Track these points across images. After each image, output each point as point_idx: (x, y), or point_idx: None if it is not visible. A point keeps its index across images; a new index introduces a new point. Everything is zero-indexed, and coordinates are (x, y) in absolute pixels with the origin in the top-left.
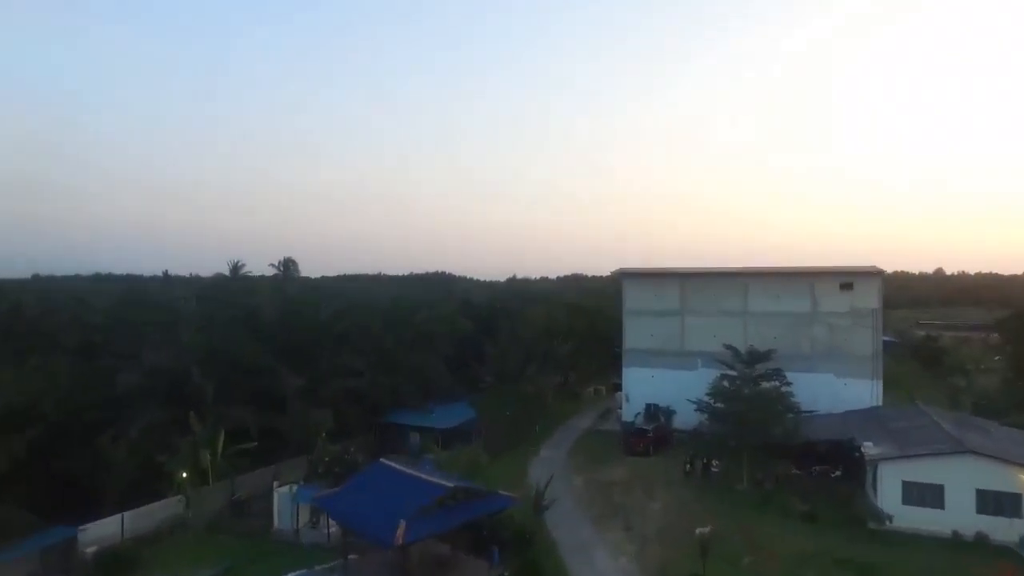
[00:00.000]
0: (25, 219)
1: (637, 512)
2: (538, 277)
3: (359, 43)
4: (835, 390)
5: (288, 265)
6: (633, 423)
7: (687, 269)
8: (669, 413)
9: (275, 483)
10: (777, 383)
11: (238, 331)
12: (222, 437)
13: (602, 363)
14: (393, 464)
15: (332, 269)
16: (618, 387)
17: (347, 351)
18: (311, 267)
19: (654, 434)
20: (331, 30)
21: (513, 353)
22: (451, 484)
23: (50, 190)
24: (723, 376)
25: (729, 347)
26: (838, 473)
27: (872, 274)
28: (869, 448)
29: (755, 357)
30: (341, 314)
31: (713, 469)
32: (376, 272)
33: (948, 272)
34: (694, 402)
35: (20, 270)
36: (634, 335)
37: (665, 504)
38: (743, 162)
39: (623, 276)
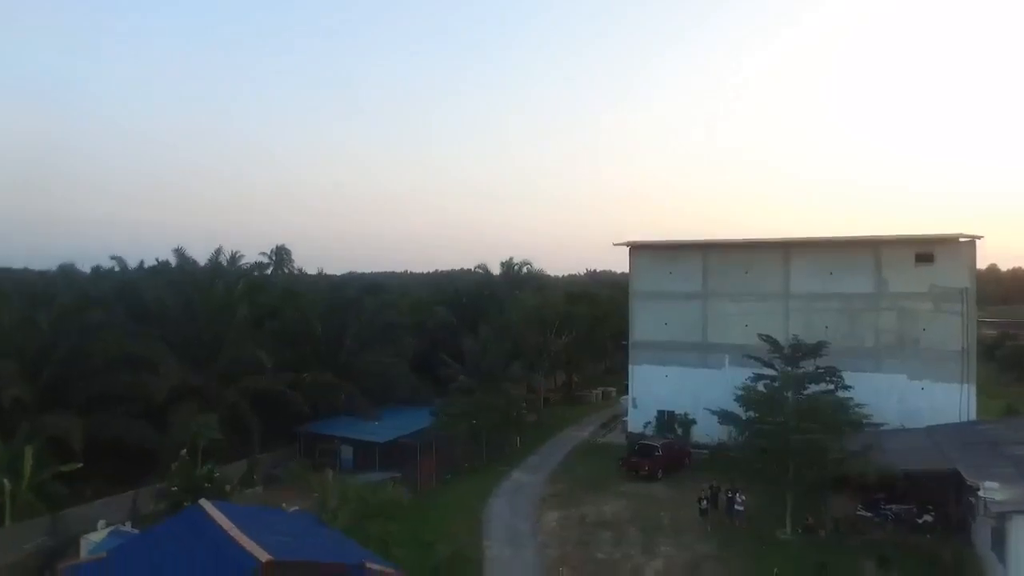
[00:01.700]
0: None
1: None
2: (560, 274)
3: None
4: (909, 396)
5: (281, 254)
6: (641, 435)
7: (712, 240)
8: (687, 423)
9: (101, 524)
10: (831, 386)
11: (97, 320)
12: (30, 456)
13: (613, 362)
14: (217, 512)
15: (356, 267)
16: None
17: (253, 342)
18: (335, 264)
19: (663, 452)
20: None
21: (496, 348)
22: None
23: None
24: (758, 377)
25: (766, 338)
26: (928, 519)
27: (961, 242)
28: (992, 492)
29: (801, 351)
30: (253, 294)
31: (738, 507)
32: (402, 270)
33: (1003, 268)
34: (716, 412)
35: None
36: (644, 324)
37: (669, 563)
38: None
39: (631, 249)
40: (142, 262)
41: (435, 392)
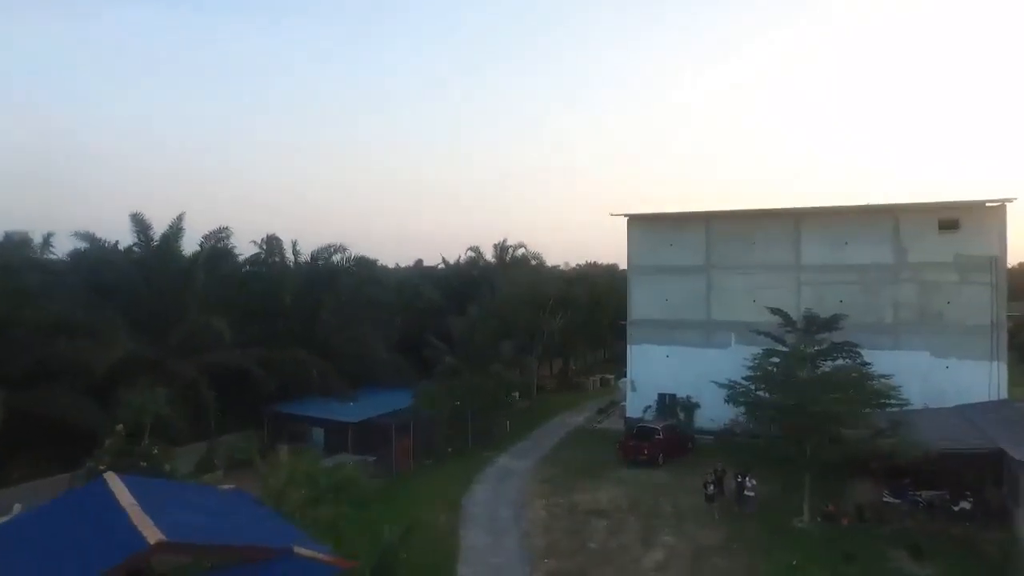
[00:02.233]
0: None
1: (623, 571)
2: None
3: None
4: (932, 376)
5: (271, 243)
6: (640, 420)
7: (715, 210)
8: (690, 407)
9: (16, 508)
10: (848, 362)
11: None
12: None
13: (613, 351)
14: (121, 486)
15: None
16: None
17: (213, 313)
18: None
19: (664, 435)
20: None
21: (485, 327)
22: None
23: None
24: (768, 352)
25: (777, 311)
26: (965, 505)
27: (989, 207)
28: None
29: (815, 326)
30: (216, 262)
31: (748, 492)
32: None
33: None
34: (727, 384)
35: None
36: (643, 301)
37: (670, 554)
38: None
39: (629, 221)
40: (117, 242)
41: (421, 374)
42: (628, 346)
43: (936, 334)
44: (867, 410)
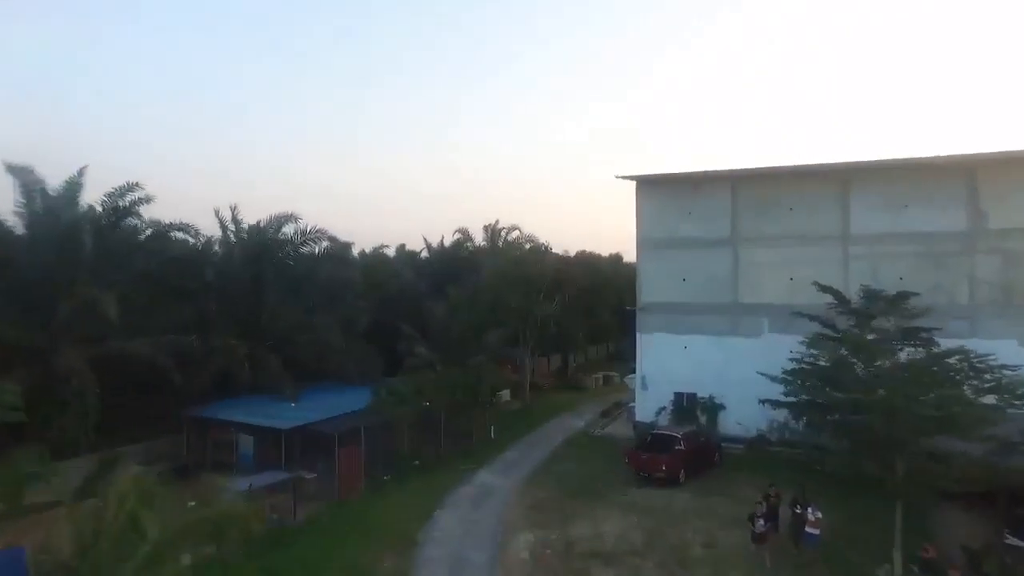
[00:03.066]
0: None
1: None
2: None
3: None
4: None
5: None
6: (652, 424)
7: (744, 169)
8: (714, 408)
9: None
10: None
11: None
12: None
13: (618, 346)
14: None
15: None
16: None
17: (107, 288)
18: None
19: (686, 445)
20: None
21: (467, 313)
22: None
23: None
24: (819, 338)
25: (827, 289)
26: None
27: None
28: None
29: (878, 306)
30: (114, 225)
31: (811, 530)
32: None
33: None
34: (782, 376)
35: None
36: (655, 281)
37: None
38: None
39: (638, 185)
40: None
41: (392, 369)
42: (637, 335)
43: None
44: (988, 414)
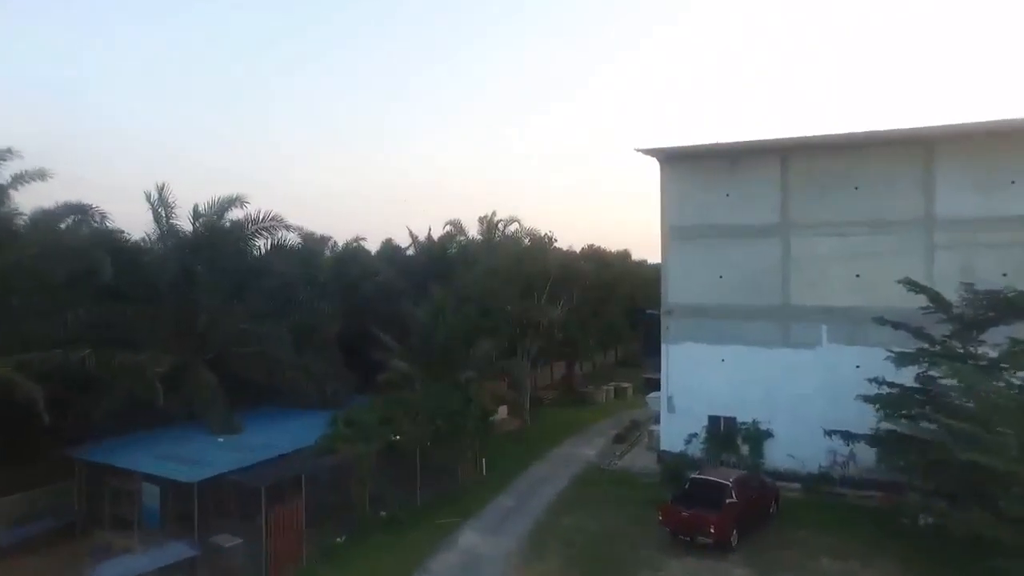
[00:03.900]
0: None
1: None
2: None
3: None
4: None
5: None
6: (681, 456)
7: (796, 138)
8: (759, 436)
9: None
10: None
11: None
12: None
13: (629, 349)
14: None
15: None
16: (654, 384)
17: None
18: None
19: (739, 495)
20: None
21: (455, 317)
22: None
23: None
24: (907, 357)
25: (917, 286)
26: None
27: None
28: None
29: (997, 308)
30: None
31: None
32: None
33: None
34: (882, 394)
35: None
36: (685, 279)
37: None
38: None
39: (663, 161)
40: None
41: (367, 385)
42: (663, 346)
43: None
44: None
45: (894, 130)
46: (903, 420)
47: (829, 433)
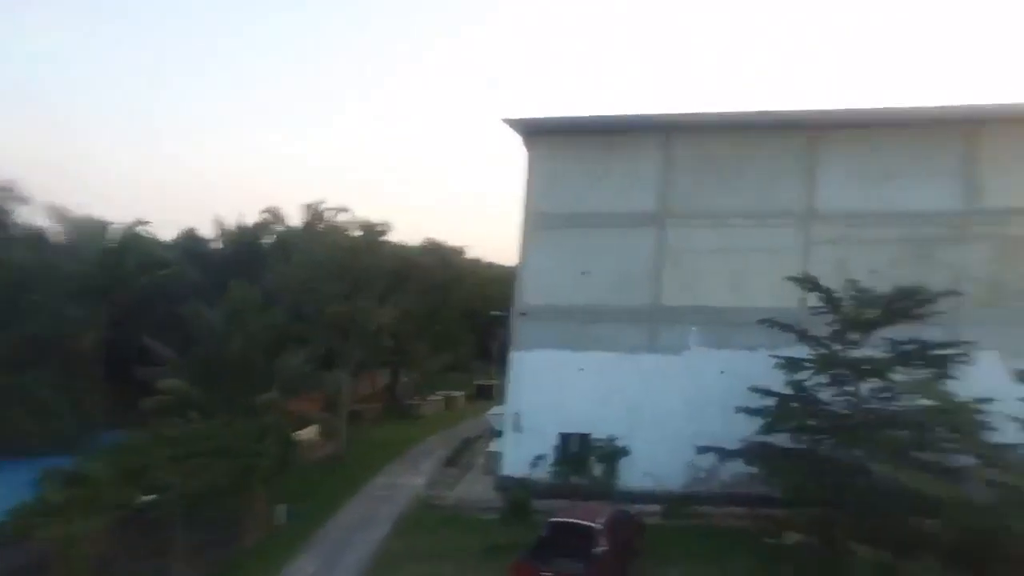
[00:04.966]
0: None
1: None
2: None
3: None
4: (1000, 389)
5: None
6: (526, 482)
7: (682, 115)
8: (614, 455)
9: None
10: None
11: None
12: None
13: (462, 353)
14: None
15: None
16: (486, 391)
17: None
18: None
19: (611, 539)
20: None
21: (255, 322)
22: None
23: None
24: (823, 357)
25: (808, 282)
26: None
27: None
28: None
29: (894, 307)
30: None
31: None
32: None
33: None
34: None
35: None
36: (544, 275)
37: None
38: None
39: (527, 136)
40: None
41: (127, 414)
42: (512, 353)
43: (1014, 325)
44: None
45: (779, 112)
46: (805, 436)
47: (701, 450)
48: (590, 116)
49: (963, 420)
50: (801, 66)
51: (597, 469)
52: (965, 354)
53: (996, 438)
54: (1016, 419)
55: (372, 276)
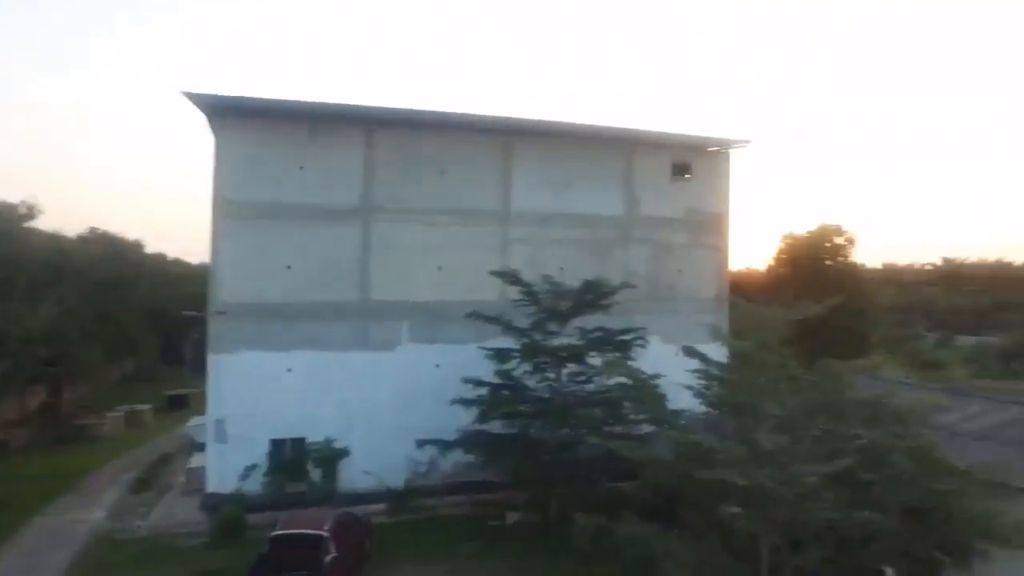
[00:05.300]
0: None
1: None
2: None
3: None
4: (664, 370)
5: None
6: (239, 498)
7: (386, 109)
8: (332, 457)
9: None
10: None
11: None
12: None
13: (146, 361)
14: None
15: None
16: (180, 401)
17: None
18: None
19: (339, 545)
20: None
21: None
22: None
23: None
24: (527, 347)
25: (509, 276)
26: None
27: (723, 149)
28: None
29: (584, 300)
30: None
31: None
32: None
33: None
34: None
35: None
36: (241, 270)
37: None
38: None
39: (212, 114)
40: None
41: None
42: (209, 357)
43: (667, 312)
44: None
45: (477, 116)
46: (516, 421)
47: (421, 444)
48: (287, 101)
49: (648, 392)
50: (504, 74)
51: (316, 474)
52: (642, 338)
53: (671, 406)
54: (688, 387)
55: (13, 270)
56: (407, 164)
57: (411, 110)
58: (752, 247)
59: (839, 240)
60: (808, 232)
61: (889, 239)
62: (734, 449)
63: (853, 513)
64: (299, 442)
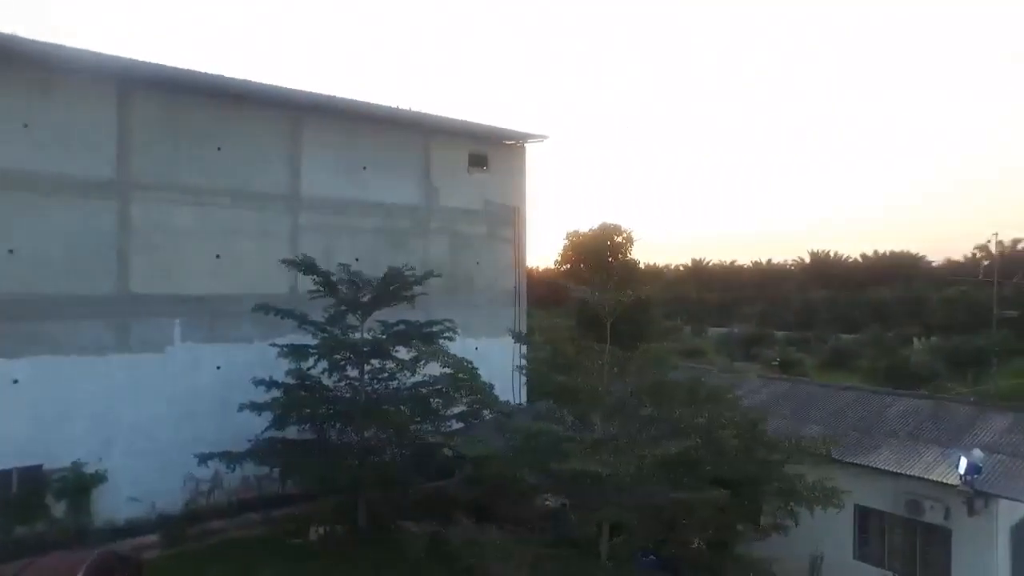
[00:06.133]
0: None
1: None
2: None
3: None
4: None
5: None
6: None
7: (144, 63)
8: (83, 485)
9: None
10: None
11: None
12: None
13: None
14: None
15: None
16: None
17: None
18: None
19: None
20: None
21: None
22: None
23: None
24: (326, 342)
25: (304, 265)
26: None
27: (518, 143)
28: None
29: (384, 292)
30: None
31: None
32: None
33: None
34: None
35: None
36: None
37: None
38: None
39: None
40: None
41: None
42: None
43: (466, 306)
44: None
45: (258, 84)
46: (315, 425)
47: (202, 459)
48: (3, 36)
49: (474, 379)
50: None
51: (59, 509)
52: (451, 330)
53: None
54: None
55: None
56: (177, 135)
57: (176, 68)
58: (549, 242)
59: (619, 239)
60: (591, 230)
61: (649, 238)
62: (584, 437)
63: (688, 492)
64: (33, 471)
